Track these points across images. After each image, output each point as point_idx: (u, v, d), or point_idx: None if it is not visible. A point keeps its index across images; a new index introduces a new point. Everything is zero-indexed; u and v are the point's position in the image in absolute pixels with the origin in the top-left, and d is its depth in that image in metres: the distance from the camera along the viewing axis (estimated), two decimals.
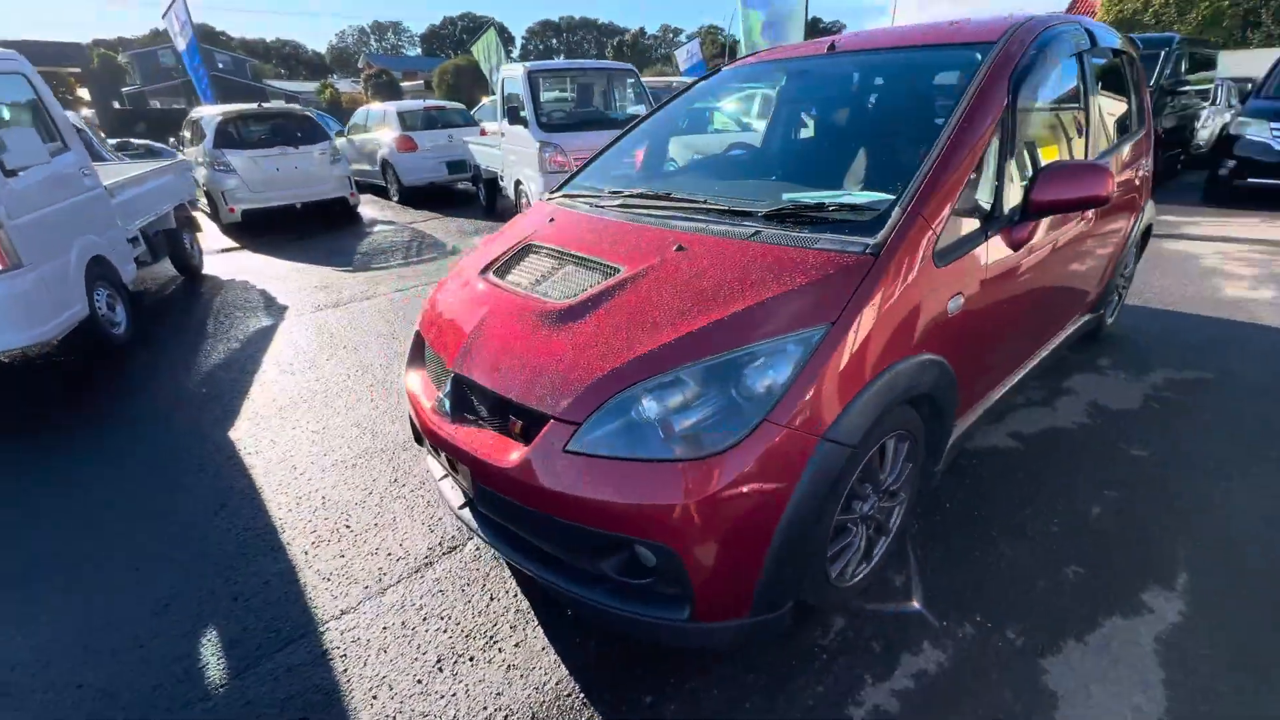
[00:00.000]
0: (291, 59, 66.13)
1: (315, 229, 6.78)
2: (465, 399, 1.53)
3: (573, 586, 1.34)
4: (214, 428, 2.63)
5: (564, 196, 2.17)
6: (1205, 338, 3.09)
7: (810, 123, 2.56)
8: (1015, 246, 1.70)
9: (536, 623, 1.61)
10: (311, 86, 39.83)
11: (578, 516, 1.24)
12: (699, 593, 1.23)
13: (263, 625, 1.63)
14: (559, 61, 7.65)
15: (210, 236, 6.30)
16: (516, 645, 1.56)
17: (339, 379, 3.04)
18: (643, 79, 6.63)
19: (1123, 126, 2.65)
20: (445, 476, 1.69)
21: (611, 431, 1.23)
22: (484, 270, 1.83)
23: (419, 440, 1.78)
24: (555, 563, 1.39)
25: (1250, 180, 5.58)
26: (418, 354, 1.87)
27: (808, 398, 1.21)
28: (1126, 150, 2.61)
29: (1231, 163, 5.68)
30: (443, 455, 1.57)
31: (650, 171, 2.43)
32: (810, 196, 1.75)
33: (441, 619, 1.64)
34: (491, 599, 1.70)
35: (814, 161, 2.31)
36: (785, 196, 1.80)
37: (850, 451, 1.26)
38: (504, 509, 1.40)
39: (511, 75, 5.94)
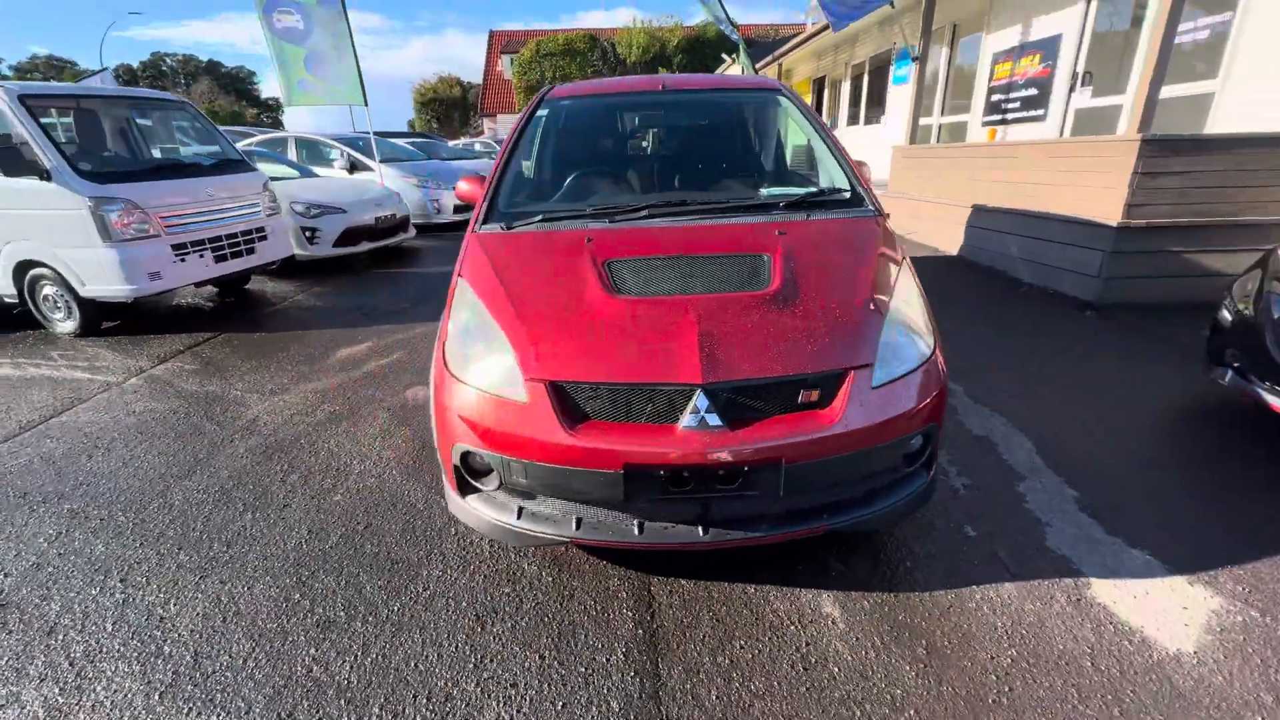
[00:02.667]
0: None
1: None
2: (729, 405, 1.55)
3: (857, 511, 1.67)
4: None
5: (539, 222, 2.18)
6: None
7: (673, 141, 3.23)
8: None
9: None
10: None
11: (889, 435, 1.58)
12: (932, 459, 1.78)
13: None
14: (66, 85, 5.78)
15: None
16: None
17: None
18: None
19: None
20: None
21: (888, 360, 1.63)
22: (614, 294, 1.76)
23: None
24: (833, 507, 1.67)
25: None
26: (572, 413, 1.59)
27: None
28: None
29: None
30: (685, 483, 1.56)
31: (581, 191, 2.62)
32: (796, 191, 2.40)
33: None
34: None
35: (708, 168, 2.88)
36: (767, 192, 2.51)
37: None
38: (818, 473, 1.57)
39: None
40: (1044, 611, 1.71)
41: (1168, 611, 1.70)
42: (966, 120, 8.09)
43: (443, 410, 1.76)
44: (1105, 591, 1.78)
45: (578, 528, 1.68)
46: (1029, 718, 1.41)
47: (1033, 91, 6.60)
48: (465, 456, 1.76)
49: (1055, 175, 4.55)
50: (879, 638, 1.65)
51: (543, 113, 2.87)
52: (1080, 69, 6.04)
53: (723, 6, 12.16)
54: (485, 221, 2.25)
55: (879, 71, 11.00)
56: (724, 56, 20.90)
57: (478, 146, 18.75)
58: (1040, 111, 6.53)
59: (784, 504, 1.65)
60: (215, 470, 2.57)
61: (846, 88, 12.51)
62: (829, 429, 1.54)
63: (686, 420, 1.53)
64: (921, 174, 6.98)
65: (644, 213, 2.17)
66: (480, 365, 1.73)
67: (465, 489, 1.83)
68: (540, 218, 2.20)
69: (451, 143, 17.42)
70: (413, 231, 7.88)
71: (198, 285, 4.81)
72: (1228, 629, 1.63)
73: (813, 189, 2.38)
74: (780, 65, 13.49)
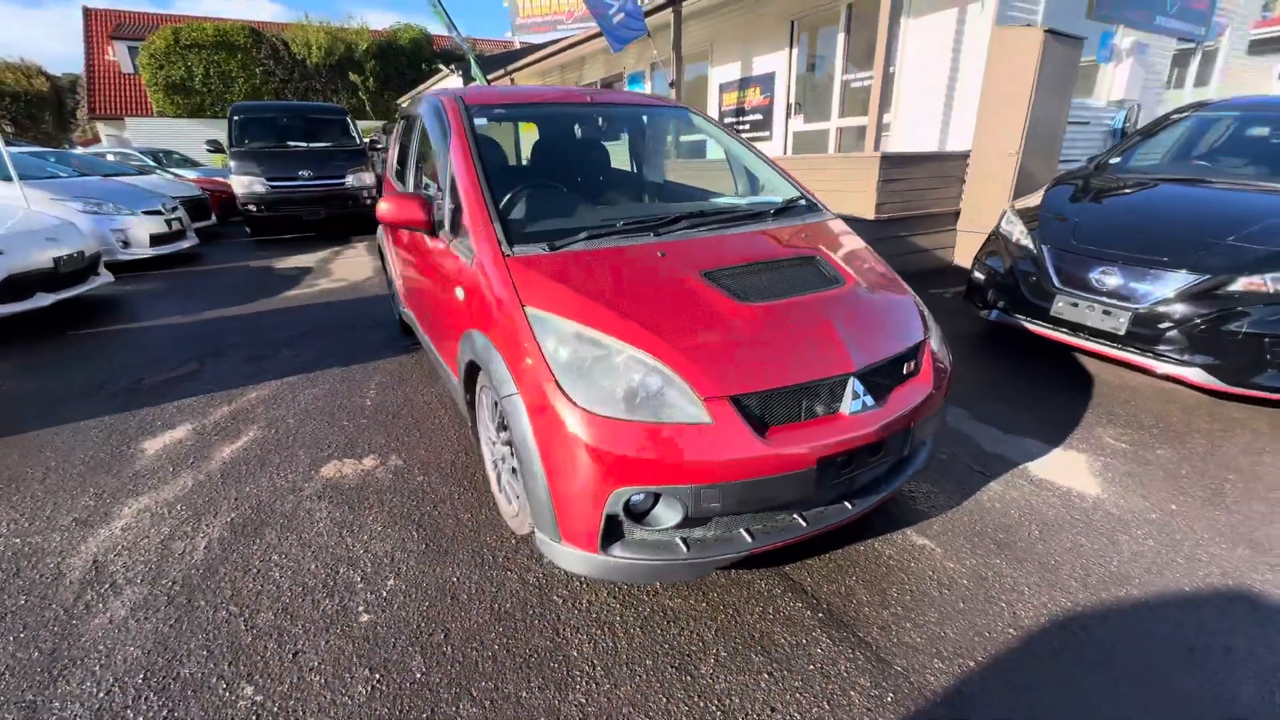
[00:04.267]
0: None
1: None
2: (871, 386, 1.76)
3: (913, 465, 2.02)
4: None
5: (583, 241, 2.05)
6: None
7: (629, 154, 3.49)
8: None
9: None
10: None
11: (948, 390, 2.05)
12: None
13: None
14: None
15: None
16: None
17: None
18: None
19: None
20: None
21: (929, 328, 2.09)
22: (743, 302, 1.82)
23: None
24: (902, 464, 1.99)
25: None
26: (756, 424, 1.59)
27: None
28: None
29: None
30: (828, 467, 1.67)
31: (577, 205, 2.62)
32: (775, 200, 2.70)
33: None
34: None
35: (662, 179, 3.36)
36: (747, 201, 2.79)
37: None
38: (924, 431, 1.92)
39: None
40: (1023, 493, 2.37)
41: (1073, 471, 2.53)
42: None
43: (597, 458, 1.56)
44: (1037, 469, 2.54)
45: (753, 538, 1.69)
46: (1060, 557, 1.99)
47: (759, 116, 8.21)
48: (628, 501, 1.60)
49: (835, 183, 5.75)
50: (966, 548, 2.08)
51: (481, 121, 2.57)
52: (792, 100, 7.75)
53: (447, 14, 11.75)
54: (511, 243, 1.97)
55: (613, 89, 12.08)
56: (438, 66, 20.10)
57: (110, 158, 14.20)
58: (767, 133, 8.16)
59: (892, 465, 1.94)
60: None
61: None
62: (929, 390, 1.89)
63: (851, 405, 1.70)
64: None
65: (683, 224, 2.19)
66: (627, 398, 1.58)
67: (609, 541, 1.65)
68: (585, 235, 2.04)
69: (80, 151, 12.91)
70: (108, 275, 5.77)
71: None
72: (1111, 470, 2.53)
73: (778, 198, 2.69)
74: (512, 80, 13.66)
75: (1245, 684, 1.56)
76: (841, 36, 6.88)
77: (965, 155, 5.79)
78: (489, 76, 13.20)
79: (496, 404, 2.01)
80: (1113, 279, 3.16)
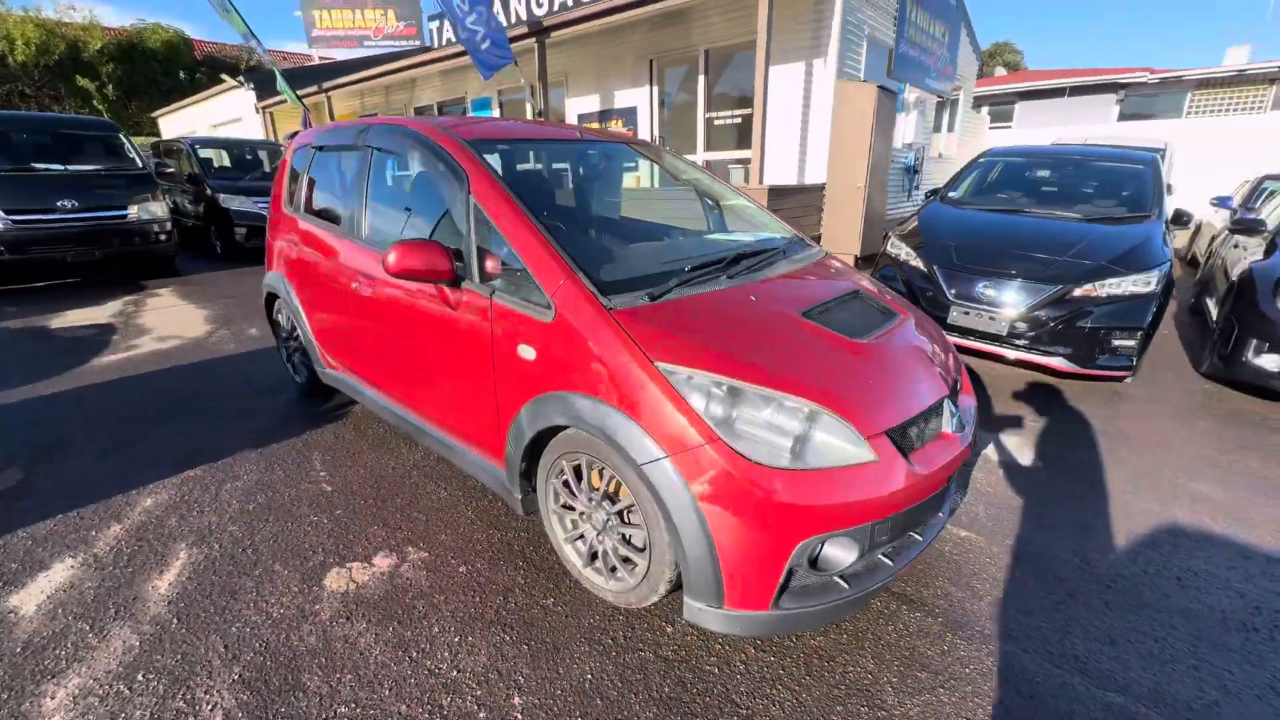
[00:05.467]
0: None
1: None
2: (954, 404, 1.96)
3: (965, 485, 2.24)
4: None
5: (678, 288, 2.01)
6: None
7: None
8: None
9: None
10: None
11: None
12: None
13: None
14: None
15: None
16: None
17: None
18: None
19: None
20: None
21: None
22: (855, 338, 1.94)
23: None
24: None
25: None
26: (903, 453, 1.70)
27: None
28: None
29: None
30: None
31: (629, 248, 2.66)
32: (775, 238, 2.78)
33: None
34: None
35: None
36: (760, 238, 2.80)
37: None
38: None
39: None
40: (988, 472, 2.83)
41: (1007, 446, 3.08)
42: None
43: (781, 513, 1.53)
44: (989, 453, 3.05)
45: (893, 561, 1.79)
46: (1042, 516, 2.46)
47: None
48: (811, 550, 1.59)
49: None
50: (998, 534, 2.41)
51: (492, 158, 2.33)
52: (656, 134, 8.19)
53: (244, 21, 10.18)
54: (605, 294, 1.83)
55: (452, 114, 11.51)
56: (202, 75, 17.21)
57: None
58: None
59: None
60: None
61: None
62: (974, 399, 2.19)
63: (950, 424, 1.90)
64: None
65: (743, 264, 2.22)
66: (796, 447, 1.59)
67: (782, 594, 1.63)
68: (676, 283, 1.96)
69: None
70: None
71: None
72: (1025, 440, 3.12)
73: (778, 235, 2.83)
74: (330, 98, 12.23)
75: None
76: (702, 79, 7.48)
77: (822, 187, 6.68)
78: (300, 93, 11.69)
79: (602, 473, 1.84)
80: (992, 291, 3.92)
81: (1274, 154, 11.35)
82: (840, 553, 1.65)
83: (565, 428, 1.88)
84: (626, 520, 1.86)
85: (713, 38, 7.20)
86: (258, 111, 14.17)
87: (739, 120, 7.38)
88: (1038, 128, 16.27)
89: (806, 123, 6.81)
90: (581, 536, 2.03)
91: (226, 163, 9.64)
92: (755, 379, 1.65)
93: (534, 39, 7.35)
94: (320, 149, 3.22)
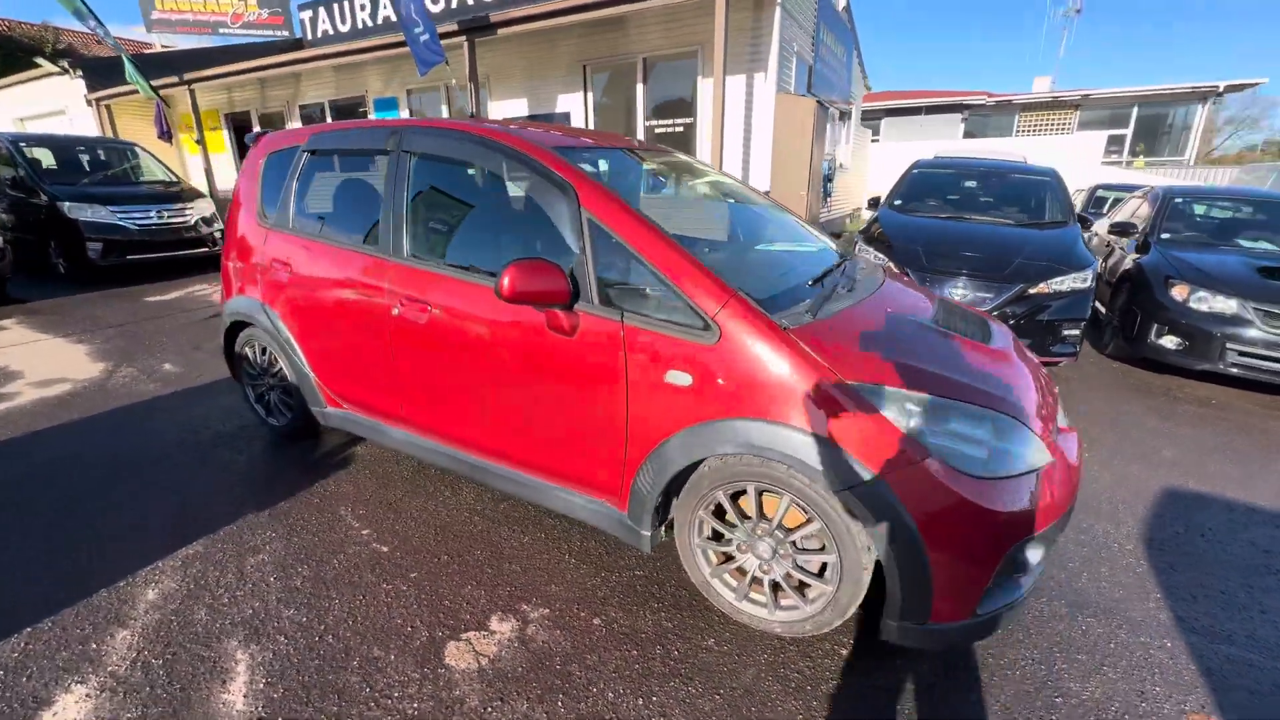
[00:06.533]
0: None
1: None
2: None
3: None
4: None
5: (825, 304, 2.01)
6: None
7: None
8: None
9: None
10: None
11: None
12: None
13: None
14: None
15: None
16: None
17: None
18: None
19: None
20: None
21: None
22: (984, 342, 2.04)
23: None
24: None
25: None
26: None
27: None
28: None
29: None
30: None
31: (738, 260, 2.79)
32: (825, 248, 2.76)
33: None
34: None
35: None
36: (820, 247, 2.78)
37: None
38: None
39: None
40: None
41: None
42: None
43: (995, 521, 1.57)
44: None
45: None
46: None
47: None
48: (1016, 553, 1.64)
49: None
50: None
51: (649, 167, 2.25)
52: None
53: (86, 5, 8.54)
54: (772, 311, 1.76)
55: (347, 114, 10.49)
56: (38, 61, 14.34)
57: None
58: None
59: None
60: None
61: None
62: None
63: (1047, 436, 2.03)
64: None
65: (848, 273, 2.25)
66: (994, 454, 1.63)
67: (983, 601, 1.67)
68: (809, 301, 1.92)
69: None
70: None
71: None
72: None
73: (826, 244, 2.89)
74: (192, 90, 10.57)
75: None
76: (641, 86, 7.49)
77: (766, 194, 6.96)
78: (155, 84, 10.04)
79: (762, 498, 1.77)
80: (962, 291, 4.32)
81: (1082, 167, 13.72)
82: (1035, 554, 1.71)
83: (705, 458, 1.79)
84: (800, 546, 1.80)
85: (651, 46, 7.24)
86: (90, 104, 11.92)
87: (680, 129, 7.47)
88: (900, 141, 18.27)
89: (749, 133, 7.07)
90: (739, 568, 1.93)
91: (62, 164, 8.01)
92: (944, 392, 1.67)
93: (464, 37, 6.90)
94: (314, 153, 2.78)
